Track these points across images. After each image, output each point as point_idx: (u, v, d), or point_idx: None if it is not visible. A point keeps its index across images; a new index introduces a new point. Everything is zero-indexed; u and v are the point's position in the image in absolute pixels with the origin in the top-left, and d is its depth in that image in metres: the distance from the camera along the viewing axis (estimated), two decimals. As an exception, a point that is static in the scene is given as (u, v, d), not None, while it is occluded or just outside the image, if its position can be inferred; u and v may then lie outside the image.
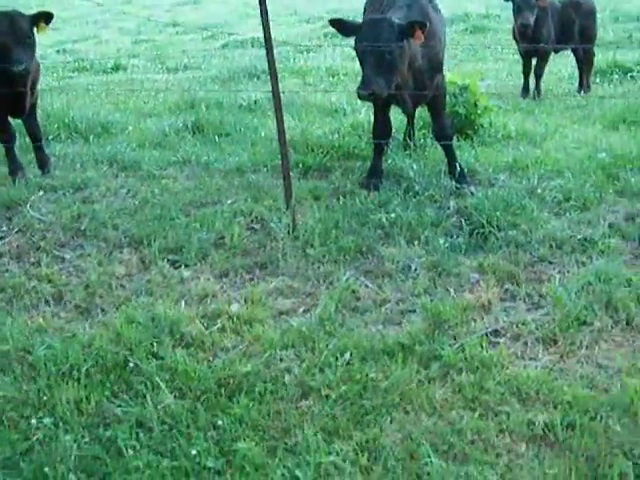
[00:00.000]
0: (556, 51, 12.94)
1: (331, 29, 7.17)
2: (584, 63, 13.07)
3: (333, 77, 15.03)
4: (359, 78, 6.66)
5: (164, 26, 27.52)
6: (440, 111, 7.44)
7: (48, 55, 19.05)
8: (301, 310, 5.52)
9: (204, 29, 26.15)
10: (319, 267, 6.00)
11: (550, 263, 5.90)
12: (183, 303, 5.60)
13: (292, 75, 15.75)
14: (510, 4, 12.01)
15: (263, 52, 17.72)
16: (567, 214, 6.67)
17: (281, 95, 11.92)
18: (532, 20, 11.72)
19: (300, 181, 7.69)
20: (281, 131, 6.46)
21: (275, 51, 16.81)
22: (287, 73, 15.89)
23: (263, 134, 9.41)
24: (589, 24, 12.98)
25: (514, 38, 12.61)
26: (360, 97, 6.58)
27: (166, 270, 6.09)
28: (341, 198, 7.12)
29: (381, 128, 7.57)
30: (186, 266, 6.17)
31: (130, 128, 10.35)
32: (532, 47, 12.06)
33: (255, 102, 11.83)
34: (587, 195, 6.89)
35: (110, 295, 5.80)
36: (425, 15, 6.99)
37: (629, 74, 13.75)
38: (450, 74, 9.21)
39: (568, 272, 5.73)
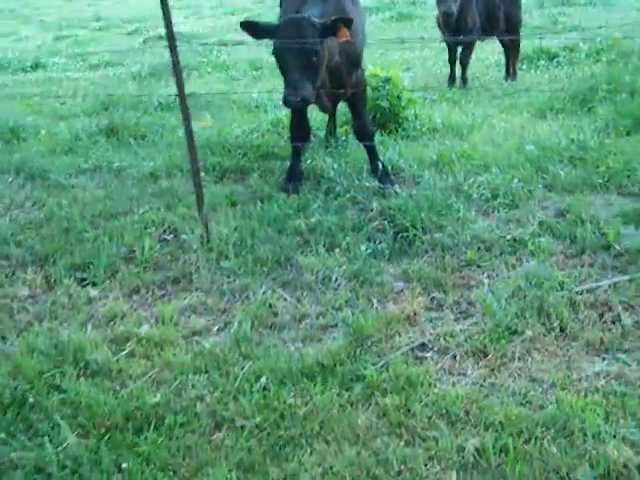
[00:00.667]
0: (482, 38, 12.67)
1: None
2: (510, 50, 12.86)
3: (257, 70, 14.67)
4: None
5: (87, 21, 26.94)
6: (360, 108, 7.07)
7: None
8: (215, 329, 5.14)
9: (127, 23, 25.65)
10: (234, 280, 5.62)
11: (479, 267, 5.57)
12: (89, 326, 5.19)
13: (215, 69, 15.34)
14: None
15: (187, 46, 17.41)
16: (495, 212, 6.36)
17: (200, 92, 11.67)
18: (455, 8, 11.43)
19: (216, 185, 7.32)
20: (189, 134, 6.03)
21: (200, 44, 16.42)
22: (210, 67, 15.50)
23: (180, 134, 8.93)
24: (514, 11, 12.77)
25: (438, 27, 12.33)
26: (289, 104, 6.19)
27: (72, 290, 5.67)
28: (258, 203, 6.75)
29: (299, 129, 7.19)
30: (94, 284, 5.75)
31: (42, 132, 9.88)
32: (456, 37, 11.80)
33: (174, 100, 11.38)
34: (516, 191, 6.59)
35: (11, 320, 5.36)
36: (342, 9, 6.62)
37: (555, 60, 13.58)
38: (372, 66, 8.89)
39: (497, 276, 5.42)
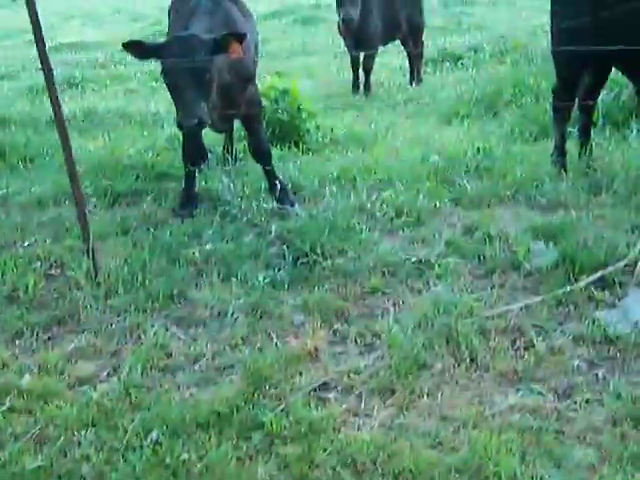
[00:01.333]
0: (384, 43, 12.44)
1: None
2: (413, 54, 12.66)
3: (156, 82, 14.20)
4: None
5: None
6: (256, 126, 6.68)
7: None
8: (105, 374, 4.73)
9: (25, 32, 24.82)
10: (124, 319, 5.21)
11: (383, 294, 5.25)
12: (-38, 381, 4.74)
13: (113, 82, 14.82)
14: (334, -4, 11.40)
15: (86, 57, 16.84)
16: (400, 231, 6.06)
17: (96, 108, 11.21)
18: (355, 15, 11.13)
19: (108, 211, 6.89)
20: (68, 157, 5.58)
21: (99, 54, 15.85)
22: (110, 79, 14.98)
23: (74, 156, 8.46)
24: (415, 15, 12.55)
25: (340, 33, 12.05)
26: (184, 128, 5.75)
27: (-52, 337, 5.20)
28: (151, 230, 6.35)
29: (192, 151, 6.82)
30: (-30, 329, 5.29)
31: None
32: (359, 42, 11.58)
33: (74, 117, 10.90)
34: (421, 207, 6.30)
35: None
36: (230, 23, 6.26)
37: (459, 62, 13.45)
38: (270, 77, 8.56)
39: (403, 303, 5.11)
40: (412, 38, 12.65)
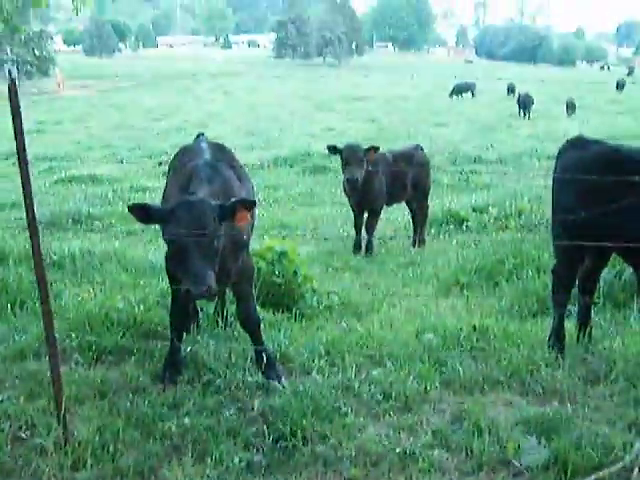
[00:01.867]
0: (388, 204, 12.44)
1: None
2: (418, 216, 12.65)
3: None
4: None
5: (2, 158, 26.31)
6: (246, 295, 6.50)
7: None
8: None
9: (41, 160, 25.05)
10: (90, 496, 4.94)
11: (363, 487, 4.99)
12: None
13: (120, 221, 14.81)
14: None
15: (98, 190, 16.93)
16: (386, 416, 5.80)
17: (94, 250, 11.12)
18: (360, 175, 11.15)
19: (89, 370, 6.66)
20: (46, 313, 5.40)
21: (109, 190, 15.90)
22: (115, 218, 14.99)
23: (63, 303, 8.30)
24: (422, 176, 12.60)
25: (344, 192, 12.06)
26: (195, 297, 5.66)
27: None
28: (130, 395, 6.12)
29: (181, 316, 6.64)
30: None
31: None
32: (363, 202, 11.59)
33: (68, 256, 10.80)
34: (410, 391, 6.04)
35: None
36: (229, 188, 6.18)
37: (464, 224, 13.42)
38: (268, 238, 8.47)
39: (384, 500, 4.85)
40: (417, 200, 12.67)
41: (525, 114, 39.91)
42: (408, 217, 13.98)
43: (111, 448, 5.32)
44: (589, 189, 6.27)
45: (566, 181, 6.54)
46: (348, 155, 11.22)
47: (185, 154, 6.86)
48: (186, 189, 6.03)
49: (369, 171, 11.39)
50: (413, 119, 38.77)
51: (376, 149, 11.45)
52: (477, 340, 6.94)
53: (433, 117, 40.08)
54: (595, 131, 24.18)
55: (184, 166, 6.47)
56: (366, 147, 11.37)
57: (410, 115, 41.13)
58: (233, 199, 5.76)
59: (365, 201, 11.77)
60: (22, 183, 5.20)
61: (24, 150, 5.12)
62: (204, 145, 6.85)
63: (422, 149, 12.99)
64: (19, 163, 5.16)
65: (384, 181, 11.84)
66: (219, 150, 6.85)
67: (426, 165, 12.85)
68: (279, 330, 7.33)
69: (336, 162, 21.81)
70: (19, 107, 5.03)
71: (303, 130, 34.52)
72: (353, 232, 12.30)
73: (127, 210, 5.74)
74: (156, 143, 30.40)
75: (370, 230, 11.94)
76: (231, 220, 5.71)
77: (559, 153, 6.90)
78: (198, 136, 7.68)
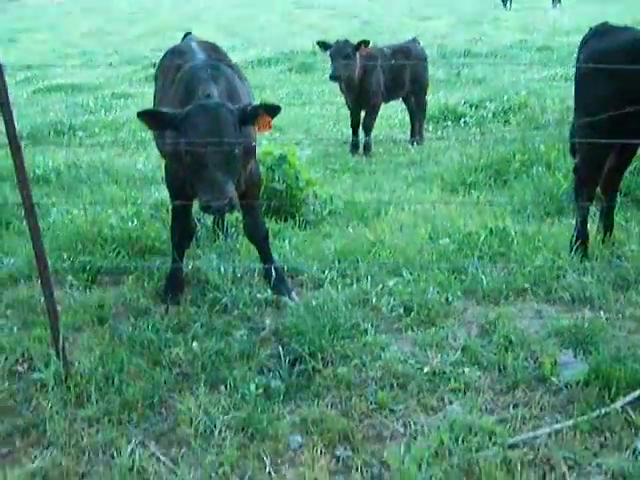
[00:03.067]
0: (387, 101, 11.92)
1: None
2: (416, 112, 12.13)
3: (146, 133, 13.61)
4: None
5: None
6: (253, 205, 5.98)
7: None
8: (70, 504, 4.10)
9: (18, 70, 24.20)
10: (97, 432, 4.55)
11: (391, 411, 4.58)
12: None
13: (104, 129, 14.24)
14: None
15: (78, 99, 16.29)
16: (410, 332, 5.40)
17: (81, 162, 10.62)
18: (345, 71, 10.63)
19: (85, 293, 6.24)
20: (36, 238, 4.94)
21: (90, 98, 15.28)
22: (99, 127, 14.40)
23: (52, 220, 7.82)
24: (420, 71, 12.05)
25: (340, 89, 11.52)
26: (213, 212, 5.13)
27: None
28: (131, 319, 5.71)
29: (182, 232, 6.12)
30: None
31: None
32: (360, 99, 11.08)
33: (53, 170, 10.30)
34: (432, 303, 5.65)
35: None
36: (234, 89, 5.63)
37: (462, 120, 12.92)
38: (266, 143, 7.97)
39: (415, 424, 4.45)
40: (415, 95, 12.15)
41: (509, 5, 38.89)
42: (403, 114, 13.49)
43: (116, 380, 4.93)
44: (622, 80, 5.76)
45: (594, 72, 6.00)
46: (333, 52, 10.71)
47: (175, 55, 6.28)
48: (186, 93, 5.51)
49: (365, 66, 10.86)
50: (396, 12, 37.80)
51: (366, 43, 10.90)
52: (496, 244, 6.50)
53: (416, 10, 39.05)
54: (588, 21, 23.48)
55: (177, 68, 5.91)
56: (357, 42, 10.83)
57: (392, 9, 40.10)
58: (255, 103, 5.30)
59: (362, 98, 11.25)
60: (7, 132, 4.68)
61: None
62: (195, 45, 6.29)
63: (419, 42, 12.43)
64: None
65: (382, 77, 11.30)
66: (212, 49, 6.29)
67: (424, 59, 12.28)
68: (284, 240, 6.90)
69: (323, 60, 21.33)
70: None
71: (284, 29, 33.59)
72: (349, 132, 11.80)
73: (137, 116, 5.26)
74: (134, 47, 29.49)
75: (368, 128, 11.43)
76: (252, 126, 5.24)
77: (583, 42, 6.35)
78: (186, 35, 7.13)
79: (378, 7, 40.82)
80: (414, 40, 12.43)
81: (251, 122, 5.19)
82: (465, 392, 4.71)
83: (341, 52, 10.72)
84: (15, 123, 4.72)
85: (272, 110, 5.19)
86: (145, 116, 5.25)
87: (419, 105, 12.20)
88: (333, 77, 10.83)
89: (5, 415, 4.79)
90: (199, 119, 5.05)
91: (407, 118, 12.96)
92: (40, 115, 15.48)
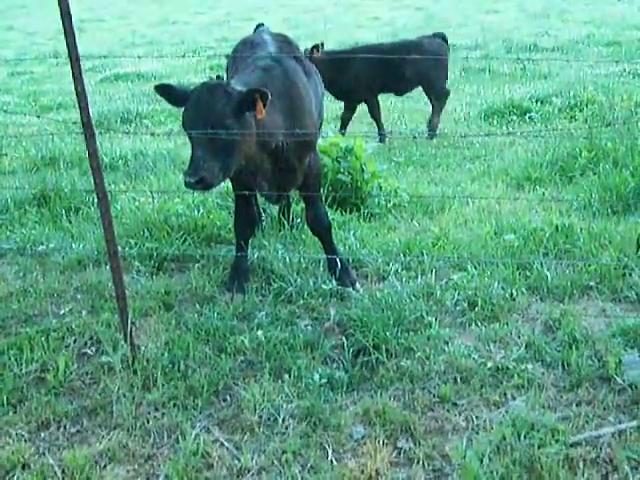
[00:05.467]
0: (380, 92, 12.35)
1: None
2: (432, 102, 12.12)
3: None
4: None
5: (45, 56, 25.84)
6: (315, 197, 6.03)
7: None
8: (136, 484, 4.18)
9: (86, 59, 24.53)
10: (162, 416, 4.65)
11: (454, 405, 4.61)
12: (-22, 481, 4.22)
13: (170, 118, 14.39)
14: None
15: (144, 88, 16.47)
16: (473, 326, 5.41)
17: (147, 150, 10.75)
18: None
19: (152, 279, 6.35)
20: (107, 225, 5.04)
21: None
22: (164, 116, 14.58)
23: (119, 206, 7.95)
24: (428, 67, 11.92)
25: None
26: (187, 186, 5.11)
27: (-33, 424, 4.68)
28: (197, 306, 5.80)
29: (245, 221, 6.20)
30: (-5, 415, 4.76)
31: (-31, 197, 8.85)
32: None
33: (120, 158, 10.46)
34: (496, 298, 5.64)
35: None
36: (289, 82, 5.68)
37: (527, 115, 12.80)
38: (333, 135, 8.00)
39: (477, 419, 4.47)
40: (426, 91, 12.43)
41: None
42: (469, 108, 13.46)
43: (181, 365, 5.03)
44: None
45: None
46: None
47: (247, 46, 6.35)
48: (249, 84, 5.57)
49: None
50: (462, 6, 37.51)
51: (317, 47, 11.13)
52: (561, 241, 6.46)
53: (483, 3, 38.70)
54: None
55: (246, 59, 5.98)
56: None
57: (458, 2, 39.79)
58: (251, 87, 5.20)
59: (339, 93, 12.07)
60: (74, 84, 4.78)
61: (75, 49, 4.69)
62: (267, 37, 6.35)
63: (442, 38, 12.30)
64: (71, 63, 4.73)
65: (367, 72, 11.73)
66: (284, 41, 6.34)
67: (438, 54, 12.11)
68: (349, 231, 6.93)
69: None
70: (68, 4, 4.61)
71: (349, 21, 33.52)
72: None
73: (154, 89, 5.41)
74: (200, 38, 29.68)
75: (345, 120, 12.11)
76: (252, 111, 5.15)
77: None
78: (258, 27, 7.17)
79: (447, 0, 40.53)
80: (434, 35, 12.33)
81: (250, 106, 5.12)
82: (528, 388, 4.70)
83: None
84: (90, 111, 4.82)
85: (263, 94, 5.09)
86: (160, 89, 5.39)
87: (431, 99, 12.18)
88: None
89: (74, 396, 4.92)
90: (194, 97, 5.14)
91: (471, 113, 12.95)
92: (107, 103, 15.66)
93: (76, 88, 4.71)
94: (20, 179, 9.52)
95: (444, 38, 12.31)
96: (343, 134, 11.32)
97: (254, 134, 5.26)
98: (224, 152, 5.09)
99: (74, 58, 4.65)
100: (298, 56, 6.17)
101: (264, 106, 5.07)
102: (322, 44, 11.20)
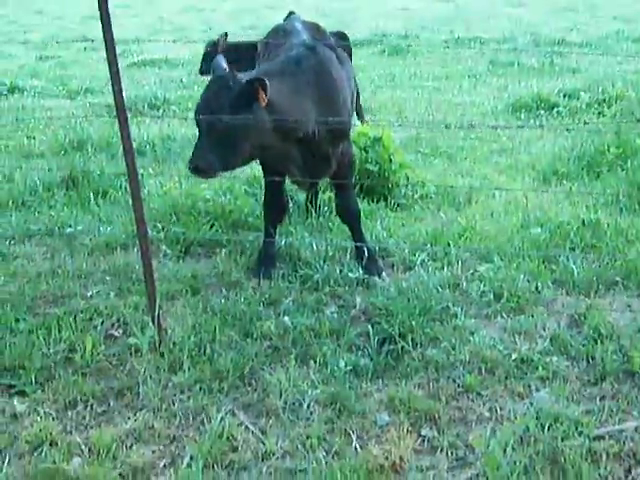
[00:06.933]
0: None
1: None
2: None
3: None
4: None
5: (73, 41, 25.94)
6: (346, 185, 6.09)
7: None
8: (161, 465, 4.23)
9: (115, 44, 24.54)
10: (188, 399, 4.69)
11: (479, 395, 4.63)
12: (9, 456, 4.28)
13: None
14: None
15: (172, 74, 16.51)
16: (499, 318, 5.43)
17: (175, 136, 10.80)
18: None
19: (179, 263, 6.41)
20: (138, 208, 5.09)
21: (183, 73, 15.40)
22: (192, 102, 14.50)
23: (147, 190, 8.00)
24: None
25: None
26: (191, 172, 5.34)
27: (-3, 400, 4.74)
28: (224, 291, 5.85)
29: (274, 207, 6.26)
30: (23, 394, 4.82)
31: (-1, 178, 8.93)
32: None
33: (147, 143, 10.50)
34: (521, 290, 5.66)
35: None
36: (323, 70, 5.70)
37: (555, 109, 12.73)
38: (360, 125, 8.01)
39: (501, 410, 4.49)
40: None
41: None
42: (495, 101, 13.43)
43: (208, 349, 5.08)
44: None
45: None
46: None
47: (279, 34, 6.37)
48: (280, 73, 5.61)
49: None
50: (491, -1, 37.34)
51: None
52: (588, 236, 6.46)
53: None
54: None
55: (278, 47, 6.02)
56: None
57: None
58: (253, 77, 5.24)
59: None
60: (109, 68, 4.84)
61: (111, 33, 4.76)
62: (299, 25, 6.37)
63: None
64: (106, 47, 4.81)
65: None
66: (316, 30, 6.37)
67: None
68: (375, 221, 6.96)
69: (415, 43, 21.27)
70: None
71: (376, 10, 33.43)
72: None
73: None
74: (228, 25, 29.68)
75: None
76: (255, 101, 5.17)
77: None
78: (289, 15, 7.18)
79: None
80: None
81: (253, 97, 5.15)
82: (552, 381, 4.71)
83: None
84: (123, 96, 4.87)
85: (263, 84, 5.11)
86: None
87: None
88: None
89: (101, 376, 4.97)
90: (205, 88, 5.31)
91: (499, 106, 12.95)
92: (135, 89, 15.71)
93: (111, 72, 4.75)
94: (49, 162, 9.56)
95: (342, 36, 12.14)
96: None
97: (265, 124, 5.28)
98: (224, 143, 5.19)
99: (109, 42, 4.70)
100: (331, 44, 6.19)
101: (265, 95, 5.10)
102: (226, 34, 11.19)
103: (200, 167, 5.19)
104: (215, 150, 5.17)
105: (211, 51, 10.96)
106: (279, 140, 5.46)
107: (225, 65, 5.48)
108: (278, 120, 5.33)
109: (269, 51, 6.31)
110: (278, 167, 5.77)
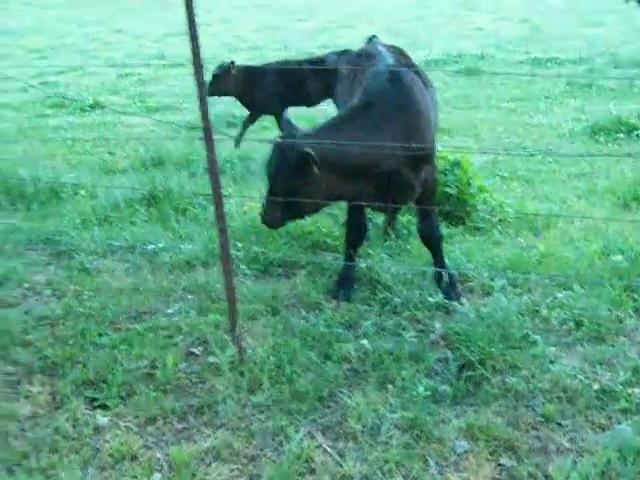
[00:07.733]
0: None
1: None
2: None
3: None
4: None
5: (150, 59, 26.36)
6: (429, 210, 6.11)
7: (30, 87, 17.52)
8: (239, 484, 4.28)
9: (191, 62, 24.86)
10: (267, 419, 4.73)
11: (559, 425, 4.59)
12: (91, 469, 4.36)
13: (274, 124, 14.50)
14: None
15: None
16: (579, 347, 5.39)
17: (253, 154, 10.89)
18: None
19: (258, 282, 6.47)
20: (222, 230, 5.17)
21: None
22: (269, 121, 14.67)
23: (227, 209, 8.07)
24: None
25: None
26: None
27: (79, 413, 4.83)
28: (303, 312, 5.90)
29: (356, 231, 6.32)
30: (105, 407, 4.91)
31: (82, 193, 9.12)
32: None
33: (226, 162, 10.61)
34: (602, 318, 5.61)
35: (4, 449, 4.54)
36: (408, 98, 5.73)
37: (635, 132, 12.57)
38: (441, 148, 8.01)
39: (582, 441, 4.45)
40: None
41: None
42: (573, 124, 13.33)
43: (287, 370, 5.11)
44: None
45: None
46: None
47: (363, 58, 6.42)
48: (365, 95, 5.70)
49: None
50: (566, 18, 36.99)
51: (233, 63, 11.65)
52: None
53: (587, 16, 38.12)
54: None
55: (363, 72, 6.06)
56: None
57: (564, 14, 39.25)
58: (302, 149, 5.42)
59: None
60: (198, 90, 4.95)
61: (199, 56, 4.87)
62: (382, 48, 6.41)
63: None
64: (195, 69, 4.92)
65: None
66: (400, 53, 6.41)
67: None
68: (454, 245, 6.95)
69: (490, 64, 21.18)
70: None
71: (451, 30, 33.37)
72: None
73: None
74: (302, 44, 29.88)
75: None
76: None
77: None
78: (371, 39, 7.23)
79: (550, 12, 39.97)
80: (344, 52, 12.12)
81: (303, 167, 5.46)
82: (635, 413, 4.65)
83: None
84: (209, 116, 4.96)
85: (310, 158, 5.39)
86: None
87: None
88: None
89: (181, 393, 5.04)
90: (271, 149, 5.79)
91: (576, 128, 12.86)
92: (211, 107, 15.86)
93: (199, 94, 4.86)
94: (130, 178, 9.73)
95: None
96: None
97: (324, 183, 5.58)
98: (288, 202, 5.60)
99: (198, 65, 4.80)
100: (416, 69, 6.21)
101: (315, 164, 5.40)
102: (233, 62, 11.70)
103: (267, 221, 5.89)
104: (280, 206, 5.66)
105: (219, 74, 11.33)
106: (351, 183, 5.67)
107: (292, 126, 5.81)
108: (342, 174, 5.58)
109: (353, 75, 6.36)
110: (358, 200, 5.83)
